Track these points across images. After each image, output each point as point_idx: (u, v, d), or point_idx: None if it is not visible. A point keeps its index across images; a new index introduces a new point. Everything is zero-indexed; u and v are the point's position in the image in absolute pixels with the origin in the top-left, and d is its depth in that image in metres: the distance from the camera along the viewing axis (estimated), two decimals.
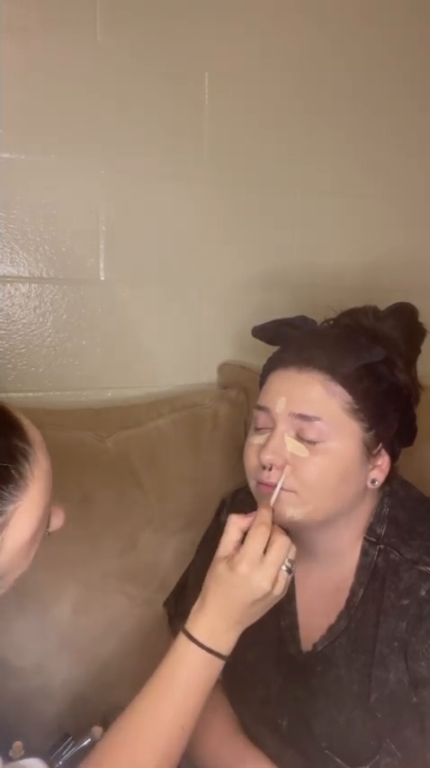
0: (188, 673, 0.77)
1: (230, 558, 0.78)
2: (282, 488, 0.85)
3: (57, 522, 0.72)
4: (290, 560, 0.80)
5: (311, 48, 1.42)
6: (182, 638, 0.78)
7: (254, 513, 0.81)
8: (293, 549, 0.80)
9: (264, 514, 0.80)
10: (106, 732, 0.76)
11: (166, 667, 0.78)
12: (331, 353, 0.86)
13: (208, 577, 0.80)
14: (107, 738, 0.75)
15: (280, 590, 0.78)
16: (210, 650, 0.77)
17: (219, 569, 0.79)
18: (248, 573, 0.77)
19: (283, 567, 0.79)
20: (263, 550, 0.77)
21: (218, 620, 0.78)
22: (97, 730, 0.92)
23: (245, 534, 0.80)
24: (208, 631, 0.78)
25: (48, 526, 0.70)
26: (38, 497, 0.64)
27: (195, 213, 1.38)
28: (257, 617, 0.80)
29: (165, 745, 0.75)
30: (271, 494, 0.85)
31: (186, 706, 0.76)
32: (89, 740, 0.90)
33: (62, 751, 0.90)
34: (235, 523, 0.81)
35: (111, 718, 0.99)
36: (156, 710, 0.76)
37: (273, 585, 0.77)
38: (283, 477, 0.83)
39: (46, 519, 0.67)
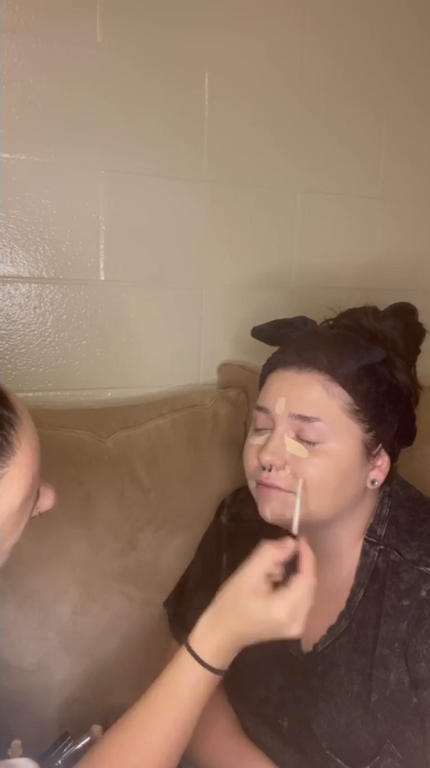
0: (189, 690, 0.76)
1: (264, 594, 0.76)
2: (281, 489, 0.85)
3: (47, 501, 0.72)
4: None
5: (311, 48, 1.42)
6: (186, 655, 0.77)
7: (287, 542, 0.79)
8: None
9: (309, 559, 0.78)
10: (99, 741, 0.75)
11: (166, 682, 0.76)
12: (331, 354, 0.86)
13: (226, 599, 0.78)
14: (100, 748, 0.75)
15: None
16: (213, 669, 0.76)
17: (249, 602, 0.76)
18: (287, 621, 0.75)
19: None
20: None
21: (229, 644, 0.77)
22: (96, 729, 0.91)
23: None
24: (215, 652, 0.77)
25: (37, 499, 0.69)
26: (25, 466, 0.64)
27: (195, 213, 1.38)
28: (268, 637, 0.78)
29: (159, 759, 0.74)
30: (271, 495, 0.85)
31: (183, 720, 0.75)
32: (88, 738, 0.90)
33: (61, 749, 0.90)
34: (272, 557, 0.78)
35: (111, 719, 0.99)
36: (152, 723, 0.75)
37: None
38: (299, 498, 0.82)
39: (35, 491, 0.67)
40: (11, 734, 0.91)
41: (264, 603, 0.75)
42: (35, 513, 0.71)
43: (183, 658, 0.77)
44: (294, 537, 0.80)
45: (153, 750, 0.74)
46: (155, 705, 0.75)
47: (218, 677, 0.77)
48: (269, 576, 0.77)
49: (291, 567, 0.78)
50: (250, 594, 0.76)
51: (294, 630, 0.76)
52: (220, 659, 0.77)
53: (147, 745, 0.74)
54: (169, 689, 0.76)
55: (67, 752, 0.87)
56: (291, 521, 0.85)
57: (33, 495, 0.67)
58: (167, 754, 0.74)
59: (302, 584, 0.76)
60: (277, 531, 0.99)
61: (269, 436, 0.87)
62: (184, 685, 0.76)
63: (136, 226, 1.33)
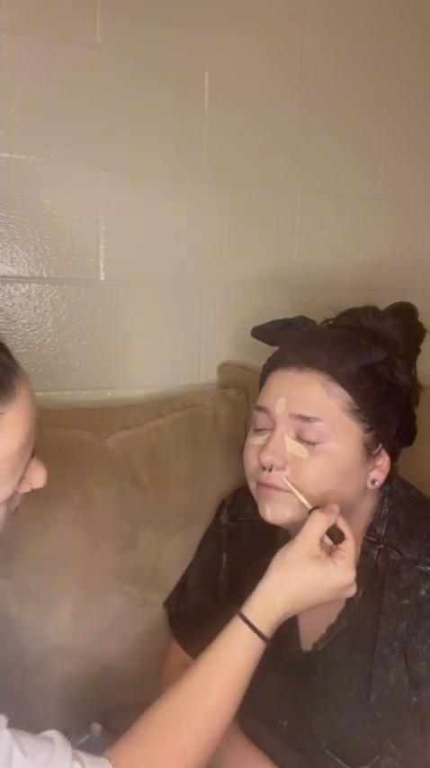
0: (244, 659, 0.77)
1: (324, 559, 0.79)
2: (281, 489, 0.85)
3: (39, 477, 0.74)
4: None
5: (311, 48, 1.42)
6: (242, 626, 0.78)
7: (332, 506, 0.82)
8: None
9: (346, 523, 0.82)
10: (153, 706, 0.75)
11: (222, 654, 0.78)
12: (331, 354, 0.86)
13: (285, 569, 0.80)
14: (155, 711, 0.75)
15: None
16: (265, 638, 0.78)
17: (312, 568, 0.79)
18: (348, 581, 0.79)
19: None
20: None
21: (288, 611, 0.79)
22: (96, 727, 0.91)
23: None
24: (270, 620, 0.78)
25: (32, 457, 0.71)
26: (25, 412, 0.68)
27: (195, 213, 1.38)
28: (312, 601, 0.81)
29: (211, 725, 0.75)
30: (271, 495, 0.85)
31: (236, 688, 0.77)
32: (87, 737, 0.90)
33: None
34: (324, 522, 0.80)
35: (112, 719, 0.99)
36: (209, 688, 0.76)
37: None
38: (293, 487, 0.84)
39: (31, 443, 0.70)
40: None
41: (326, 567, 0.79)
42: (28, 488, 0.74)
43: (239, 630, 0.78)
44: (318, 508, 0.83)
45: (207, 714, 0.74)
46: (211, 671, 0.76)
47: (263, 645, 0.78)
48: (323, 541, 0.81)
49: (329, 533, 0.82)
50: (311, 560, 0.79)
51: (353, 589, 0.81)
52: (273, 627, 0.79)
53: (203, 709, 0.75)
54: (225, 660, 0.77)
55: None
56: (291, 521, 0.85)
57: (30, 445, 0.70)
58: (220, 721, 0.75)
59: (352, 546, 0.81)
60: (277, 531, 0.99)
61: (269, 436, 0.87)
62: (240, 656, 0.77)
63: (136, 226, 1.33)
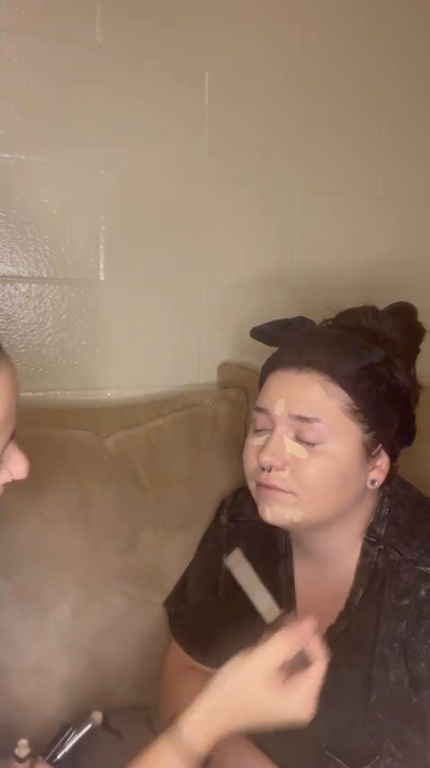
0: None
1: (278, 687, 0.71)
2: (281, 490, 0.85)
3: (21, 468, 0.71)
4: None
5: (311, 48, 1.42)
6: (176, 743, 0.71)
7: (305, 626, 0.73)
8: None
9: (317, 640, 0.73)
10: None
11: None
12: (330, 354, 0.86)
13: (230, 692, 0.72)
14: None
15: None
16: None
17: (262, 696, 0.71)
18: (304, 709, 0.71)
19: None
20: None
21: (226, 732, 0.73)
22: (97, 715, 0.90)
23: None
24: (209, 743, 0.72)
25: (11, 439, 0.70)
26: (7, 389, 0.67)
27: (195, 213, 1.38)
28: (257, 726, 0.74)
29: None
30: (271, 495, 0.85)
31: None
32: (90, 725, 0.89)
33: (63, 741, 0.89)
34: (288, 650, 0.72)
35: (111, 719, 0.99)
36: None
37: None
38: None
39: (9, 427, 0.69)
40: (11, 734, 0.91)
41: (279, 696, 0.71)
42: (8, 478, 0.71)
43: (173, 747, 0.71)
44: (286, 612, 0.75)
45: None
46: None
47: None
48: (283, 666, 0.72)
49: None
50: (262, 688, 0.71)
51: (308, 716, 0.72)
52: (210, 746, 0.73)
53: None
54: None
55: (69, 743, 0.87)
56: (291, 521, 0.85)
57: (11, 423, 0.69)
58: None
59: (319, 670, 0.72)
60: (277, 532, 0.99)
61: (269, 437, 0.87)
62: None
63: (136, 226, 1.33)
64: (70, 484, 1.14)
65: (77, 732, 0.86)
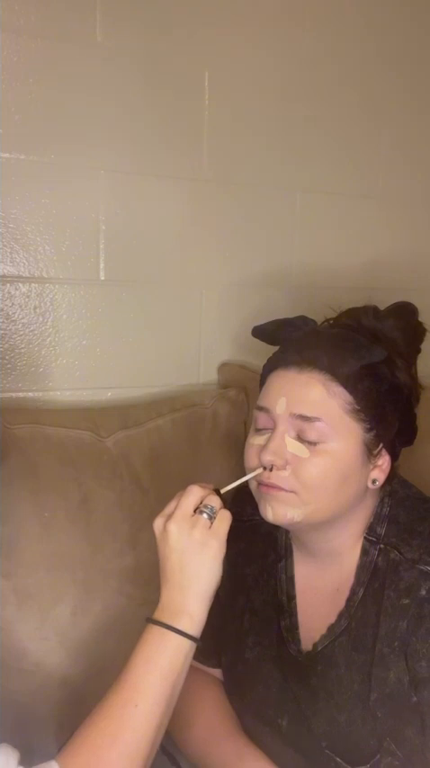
0: (170, 667, 0.76)
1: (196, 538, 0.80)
2: (282, 489, 0.85)
3: None
4: (207, 505, 0.81)
5: (311, 48, 1.42)
6: (155, 631, 0.78)
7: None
8: (214, 497, 0.82)
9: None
10: (92, 713, 0.75)
11: (135, 658, 0.77)
12: (331, 354, 0.86)
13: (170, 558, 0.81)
14: (93, 719, 0.74)
15: (202, 535, 0.80)
16: (168, 626, 0.77)
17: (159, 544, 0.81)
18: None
19: (204, 515, 0.81)
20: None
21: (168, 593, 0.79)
22: None
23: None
24: (165, 608, 0.78)
25: None
26: None
27: (195, 213, 1.38)
28: (207, 576, 0.80)
29: (149, 732, 0.74)
30: (272, 495, 0.85)
31: (167, 693, 0.76)
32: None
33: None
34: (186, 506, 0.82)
35: None
36: (136, 702, 0.75)
37: (191, 532, 0.79)
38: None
39: None
40: (10, 734, 0.91)
41: (196, 543, 0.79)
42: None
43: (163, 638, 0.77)
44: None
45: (142, 721, 0.74)
46: (140, 684, 0.76)
47: (177, 639, 0.77)
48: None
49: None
50: (183, 542, 0.80)
51: (219, 552, 0.80)
52: (172, 614, 0.78)
53: (137, 717, 0.74)
54: (153, 672, 0.76)
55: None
56: (292, 521, 0.85)
57: None
58: (159, 721, 0.75)
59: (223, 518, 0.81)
60: (278, 531, 0.99)
61: (270, 436, 0.87)
62: (168, 664, 0.76)
63: (136, 226, 1.33)
64: (70, 484, 1.14)
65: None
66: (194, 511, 0.81)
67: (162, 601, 0.79)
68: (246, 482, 0.91)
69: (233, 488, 0.87)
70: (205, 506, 0.81)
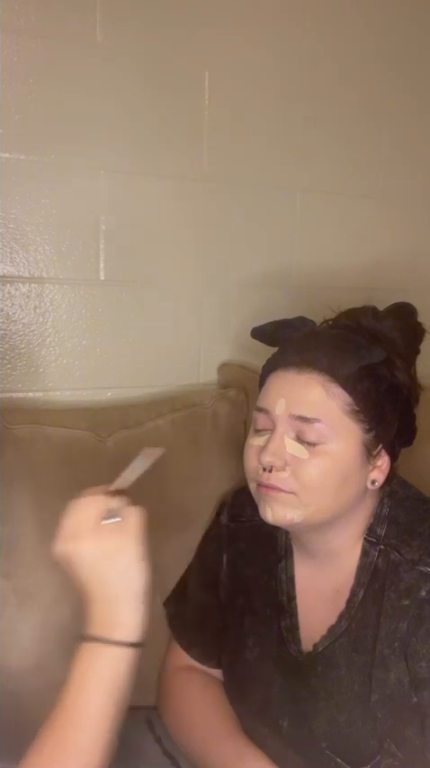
0: (113, 677, 0.75)
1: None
2: (282, 490, 0.85)
3: None
4: (109, 511, 0.76)
5: (311, 48, 1.42)
6: (88, 647, 0.75)
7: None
8: (112, 500, 0.77)
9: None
10: (46, 721, 0.74)
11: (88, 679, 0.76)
12: (331, 355, 0.86)
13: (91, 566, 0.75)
14: (47, 726, 0.74)
15: (114, 541, 0.74)
16: (104, 640, 0.74)
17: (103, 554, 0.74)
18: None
19: (109, 521, 0.75)
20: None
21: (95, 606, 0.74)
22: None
23: None
24: (97, 623, 0.74)
25: None
26: None
27: (195, 213, 1.38)
28: (135, 577, 0.74)
29: (101, 736, 0.73)
30: (271, 495, 0.85)
31: (115, 699, 0.75)
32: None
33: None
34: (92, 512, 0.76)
35: None
36: (84, 711, 0.74)
37: (101, 544, 0.74)
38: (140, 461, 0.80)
39: None
40: (10, 736, 0.91)
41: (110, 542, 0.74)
42: None
43: (91, 652, 0.75)
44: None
45: (93, 726, 0.74)
46: (83, 697, 0.75)
47: (109, 649, 0.75)
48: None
49: None
50: (97, 548, 0.74)
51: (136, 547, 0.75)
52: (105, 626, 0.74)
53: (88, 725, 0.74)
54: (95, 687, 0.75)
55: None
56: (291, 522, 0.85)
57: None
58: (110, 724, 0.74)
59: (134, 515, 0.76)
60: (278, 532, 0.99)
61: (269, 437, 0.87)
62: (110, 676, 0.75)
63: (136, 226, 1.33)
64: (71, 484, 1.14)
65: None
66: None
67: (92, 617, 0.74)
68: (246, 484, 0.91)
69: (130, 480, 0.81)
70: (108, 512, 0.75)
